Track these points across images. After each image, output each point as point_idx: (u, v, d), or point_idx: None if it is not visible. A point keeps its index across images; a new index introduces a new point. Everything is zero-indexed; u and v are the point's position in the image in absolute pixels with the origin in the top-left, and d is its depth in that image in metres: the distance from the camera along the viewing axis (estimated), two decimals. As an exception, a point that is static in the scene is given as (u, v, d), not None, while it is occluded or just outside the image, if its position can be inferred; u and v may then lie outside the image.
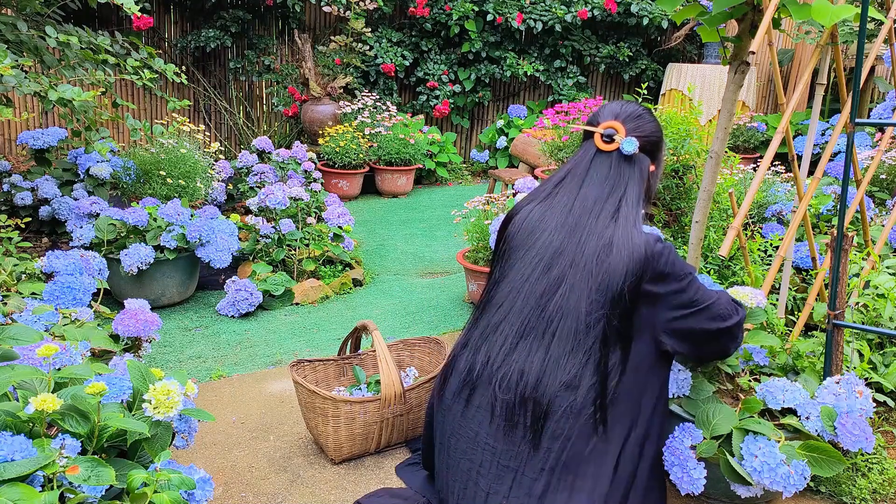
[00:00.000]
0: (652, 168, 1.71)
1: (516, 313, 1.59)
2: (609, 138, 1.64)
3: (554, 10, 6.42)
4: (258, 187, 4.38)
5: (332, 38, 6.06)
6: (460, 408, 1.62)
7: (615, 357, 1.54)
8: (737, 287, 1.90)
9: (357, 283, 3.69)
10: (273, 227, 3.60)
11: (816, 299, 2.36)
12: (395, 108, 6.09)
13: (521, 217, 1.68)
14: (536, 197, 1.70)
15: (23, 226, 3.64)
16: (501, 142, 6.61)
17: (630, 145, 1.62)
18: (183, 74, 3.67)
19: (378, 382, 2.22)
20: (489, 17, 6.30)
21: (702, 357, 1.75)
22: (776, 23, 2.04)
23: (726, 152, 2.97)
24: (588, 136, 1.70)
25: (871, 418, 1.85)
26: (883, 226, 3.09)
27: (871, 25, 5.27)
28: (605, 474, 1.51)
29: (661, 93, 6.74)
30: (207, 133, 6.06)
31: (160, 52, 5.75)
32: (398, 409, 2.06)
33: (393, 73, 6.28)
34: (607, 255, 1.53)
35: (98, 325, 2.22)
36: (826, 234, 3.23)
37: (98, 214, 3.32)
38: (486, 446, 1.56)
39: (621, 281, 1.52)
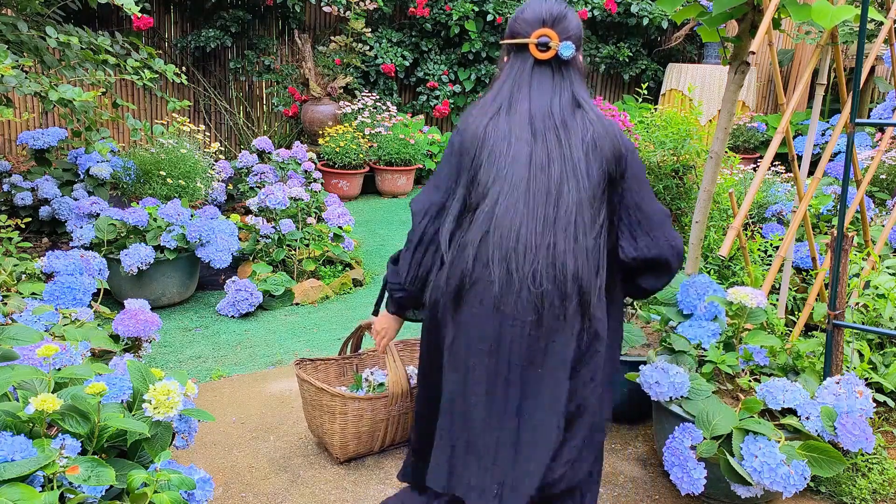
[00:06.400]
0: (580, 56, 1.67)
1: (530, 213, 1.53)
2: (544, 46, 1.59)
3: (554, 10, 6.41)
4: (258, 187, 4.38)
5: (332, 38, 6.06)
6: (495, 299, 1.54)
7: (608, 247, 1.61)
8: (736, 287, 1.90)
9: (357, 283, 3.69)
10: (273, 227, 3.60)
11: (816, 299, 2.36)
12: (395, 108, 6.09)
13: (486, 132, 1.59)
14: (487, 113, 1.61)
15: (23, 226, 3.64)
16: (501, 142, 6.60)
17: (568, 50, 1.59)
18: (183, 75, 3.67)
19: (382, 384, 2.22)
20: (489, 17, 6.30)
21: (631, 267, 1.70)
22: (776, 23, 2.04)
23: (726, 152, 2.97)
24: (519, 47, 1.63)
25: (871, 418, 1.85)
26: (883, 226, 3.09)
27: (871, 26, 5.27)
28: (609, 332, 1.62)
29: (661, 93, 6.74)
30: (207, 133, 6.06)
31: (160, 52, 5.75)
32: (404, 407, 2.07)
33: (393, 74, 6.27)
34: (594, 149, 1.56)
35: (98, 325, 2.22)
36: (826, 234, 3.23)
37: (98, 214, 3.32)
38: (515, 322, 1.50)
39: (610, 169, 1.58)
